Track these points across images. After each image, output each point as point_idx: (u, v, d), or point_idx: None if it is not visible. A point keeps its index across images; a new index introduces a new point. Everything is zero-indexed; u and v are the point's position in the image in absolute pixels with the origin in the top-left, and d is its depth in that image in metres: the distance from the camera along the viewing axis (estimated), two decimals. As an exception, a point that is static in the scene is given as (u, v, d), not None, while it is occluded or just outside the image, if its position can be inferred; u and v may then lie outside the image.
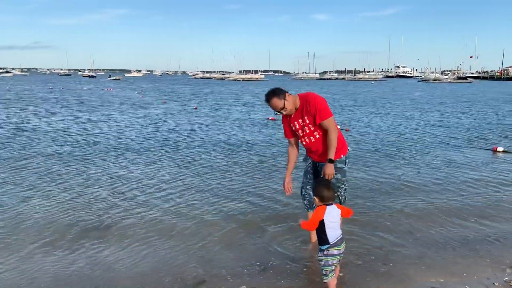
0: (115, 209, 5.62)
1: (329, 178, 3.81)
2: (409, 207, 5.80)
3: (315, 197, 3.40)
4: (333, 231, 3.29)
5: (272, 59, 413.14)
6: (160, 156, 9.26)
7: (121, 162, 8.54)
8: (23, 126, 13.84)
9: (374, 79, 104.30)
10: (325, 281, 3.39)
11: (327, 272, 3.34)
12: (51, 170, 7.71)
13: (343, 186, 4.15)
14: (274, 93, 3.88)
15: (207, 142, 11.18)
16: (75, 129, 13.50)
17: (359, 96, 37.44)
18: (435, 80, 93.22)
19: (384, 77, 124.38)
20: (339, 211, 3.36)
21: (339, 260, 3.41)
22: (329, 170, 3.83)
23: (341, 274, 3.75)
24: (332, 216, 3.29)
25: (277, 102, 3.87)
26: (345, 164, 4.11)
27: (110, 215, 5.41)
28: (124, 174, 7.51)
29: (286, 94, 3.90)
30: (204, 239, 4.69)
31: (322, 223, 3.26)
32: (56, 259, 4.17)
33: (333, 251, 3.30)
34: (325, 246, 3.30)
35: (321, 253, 3.33)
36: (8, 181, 6.90)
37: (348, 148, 4.23)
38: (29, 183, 6.80)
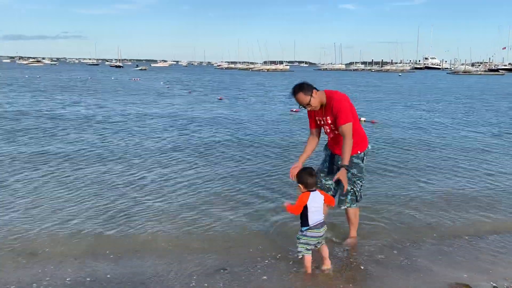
0: (131, 198, 5.73)
1: (344, 185, 3.80)
2: (431, 202, 5.71)
3: (299, 185, 3.59)
4: (315, 216, 3.53)
5: (298, 50, 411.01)
6: (177, 145, 9.37)
7: (137, 151, 8.68)
8: (47, 113, 14.21)
9: (402, 71, 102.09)
10: (299, 256, 3.66)
11: (301, 249, 3.61)
12: (70, 156, 7.91)
13: (358, 182, 4.14)
14: (301, 88, 3.89)
15: (225, 133, 11.25)
16: (98, 117, 13.77)
17: (383, 88, 36.80)
18: (465, 72, 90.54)
19: (412, 68, 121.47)
20: (322, 197, 3.57)
21: (319, 242, 3.62)
22: (342, 176, 3.79)
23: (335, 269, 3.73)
24: (316, 201, 3.52)
25: (303, 98, 3.89)
26: (362, 161, 4.11)
27: (126, 203, 5.51)
28: (140, 162, 7.64)
29: (314, 91, 3.91)
30: (223, 229, 4.73)
31: (305, 208, 3.50)
32: (77, 249, 4.30)
33: (310, 233, 3.55)
34: (305, 228, 3.56)
35: (300, 233, 3.60)
36: (27, 167, 7.12)
37: (368, 146, 4.21)
38: (48, 169, 7.00)
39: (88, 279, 3.61)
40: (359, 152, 4.06)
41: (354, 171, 4.06)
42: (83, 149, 8.73)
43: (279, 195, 5.90)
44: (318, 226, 3.56)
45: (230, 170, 7.21)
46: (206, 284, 3.53)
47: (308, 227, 3.55)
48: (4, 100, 18.94)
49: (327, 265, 3.73)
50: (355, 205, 4.24)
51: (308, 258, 3.66)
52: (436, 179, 6.80)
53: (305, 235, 3.58)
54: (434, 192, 6.15)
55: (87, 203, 5.46)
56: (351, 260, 3.99)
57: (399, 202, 5.64)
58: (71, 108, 16.54)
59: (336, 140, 4.10)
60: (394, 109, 18.29)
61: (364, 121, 13.86)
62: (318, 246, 3.68)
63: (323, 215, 3.60)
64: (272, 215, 5.13)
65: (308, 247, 3.62)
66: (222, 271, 3.76)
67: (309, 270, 3.69)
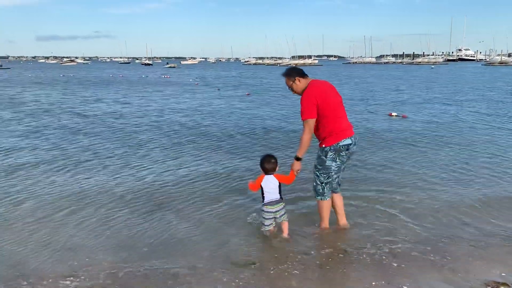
0: (152, 188, 5.83)
1: (294, 174, 4.22)
2: (465, 198, 5.55)
3: (261, 167, 4.24)
4: (270, 195, 4.22)
5: (326, 43, 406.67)
6: (191, 138, 9.47)
7: (156, 147, 8.84)
8: (83, 111, 14.64)
9: (434, 63, 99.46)
10: (263, 229, 4.34)
11: (265, 222, 4.29)
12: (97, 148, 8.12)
13: (317, 173, 4.28)
14: (287, 74, 4.31)
15: (237, 126, 11.27)
16: (123, 111, 14.11)
17: (406, 80, 35.92)
18: (501, 63, 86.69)
19: (445, 60, 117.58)
20: (276, 181, 4.20)
21: (275, 217, 4.26)
22: (294, 166, 4.19)
23: (367, 259, 3.68)
24: (267, 184, 4.20)
25: (287, 81, 4.31)
26: (325, 155, 4.17)
27: (158, 196, 5.60)
28: (162, 159, 7.75)
29: (297, 78, 4.22)
30: (253, 223, 4.72)
31: (262, 188, 4.22)
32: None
33: (267, 208, 4.23)
34: (262, 204, 4.26)
35: (261, 209, 4.30)
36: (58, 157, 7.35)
37: (340, 142, 4.12)
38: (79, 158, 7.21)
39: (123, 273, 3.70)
40: (323, 146, 4.18)
41: (316, 162, 4.29)
42: (106, 140, 8.98)
43: (307, 192, 5.84)
44: (272, 203, 4.21)
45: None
46: (236, 280, 3.56)
47: (264, 203, 4.25)
48: (49, 97, 19.61)
49: (285, 235, 4.33)
50: (319, 197, 4.35)
51: (272, 230, 4.35)
52: (464, 176, 6.61)
53: (263, 210, 4.26)
54: (464, 188, 5.98)
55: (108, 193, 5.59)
56: (383, 257, 3.93)
57: (432, 198, 5.51)
58: (104, 103, 16.99)
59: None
60: (409, 102, 17.84)
61: (396, 116, 13.61)
62: (279, 221, 4.30)
63: (278, 195, 4.21)
64: (303, 212, 5.10)
65: (268, 223, 4.29)
66: (252, 265, 3.77)
67: (271, 232, 4.35)
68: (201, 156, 8.03)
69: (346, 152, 4.18)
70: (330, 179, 4.26)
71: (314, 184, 4.34)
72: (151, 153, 8.24)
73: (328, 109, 4.09)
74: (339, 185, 4.46)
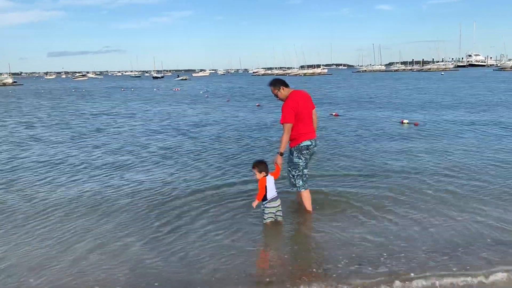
0: (167, 206, 5.81)
1: (278, 167, 4.99)
2: (484, 204, 5.49)
3: (262, 172, 4.86)
4: (271, 192, 4.87)
5: (335, 52, 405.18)
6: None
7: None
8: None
9: (444, 70, 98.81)
10: (265, 222, 4.93)
11: (266, 217, 4.93)
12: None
13: (289, 169, 5.24)
14: (272, 83, 5.19)
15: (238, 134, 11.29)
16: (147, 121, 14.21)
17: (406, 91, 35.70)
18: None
19: (455, 67, 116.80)
20: (272, 178, 4.91)
21: (276, 211, 4.92)
22: (278, 160, 5.00)
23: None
24: (270, 182, 4.86)
25: (272, 90, 5.20)
26: (292, 154, 5.17)
27: (170, 214, 5.60)
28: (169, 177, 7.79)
29: (282, 87, 5.11)
30: (265, 242, 4.73)
31: (266, 188, 4.80)
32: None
33: (269, 204, 4.88)
34: (265, 201, 4.88)
35: (262, 206, 4.94)
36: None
37: (302, 143, 5.04)
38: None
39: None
40: (290, 147, 5.16)
41: (287, 161, 5.29)
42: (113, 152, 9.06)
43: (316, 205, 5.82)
44: (274, 199, 4.88)
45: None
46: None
47: (267, 201, 4.85)
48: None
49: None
50: (295, 188, 5.23)
51: (270, 223, 4.92)
52: (488, 187, 6.54)
53: (266, 207, 4.89)
54: (487, 194, 5.92)
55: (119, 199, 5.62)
56: (400, 267, 3.89)
57: (440, 204, 5.46)
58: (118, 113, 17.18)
59: None
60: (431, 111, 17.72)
61: (407, 123, 13.53)
62: (278, 217, 4.94)
63: (275, 190, 4.91)
64: (312, 229, 5.09)
65: (271, 216, 4.91)
66: (268, 281, 3.74)
67: (268, 225, 4.90)
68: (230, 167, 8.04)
69: (307, 151, 5.11)
70: (301, 173, 5.15)
71: (289, 178, 5.27)
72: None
73: (299, 117, 4.98)
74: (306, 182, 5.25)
